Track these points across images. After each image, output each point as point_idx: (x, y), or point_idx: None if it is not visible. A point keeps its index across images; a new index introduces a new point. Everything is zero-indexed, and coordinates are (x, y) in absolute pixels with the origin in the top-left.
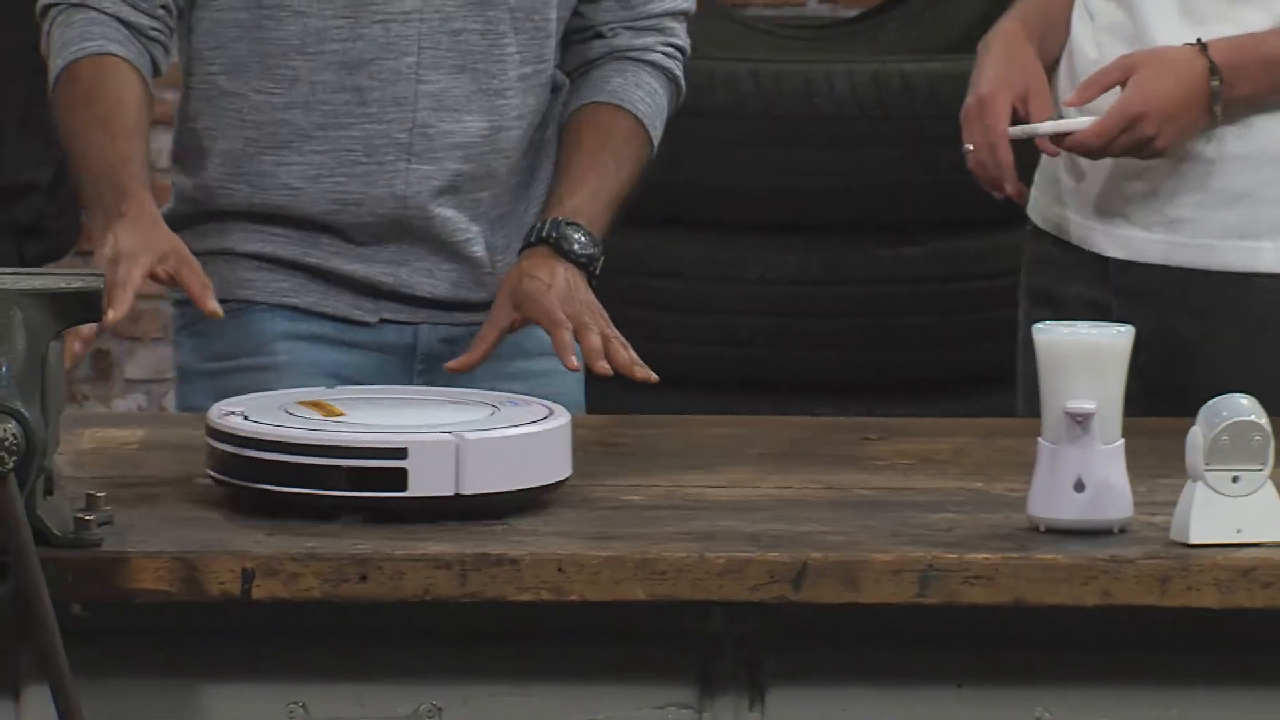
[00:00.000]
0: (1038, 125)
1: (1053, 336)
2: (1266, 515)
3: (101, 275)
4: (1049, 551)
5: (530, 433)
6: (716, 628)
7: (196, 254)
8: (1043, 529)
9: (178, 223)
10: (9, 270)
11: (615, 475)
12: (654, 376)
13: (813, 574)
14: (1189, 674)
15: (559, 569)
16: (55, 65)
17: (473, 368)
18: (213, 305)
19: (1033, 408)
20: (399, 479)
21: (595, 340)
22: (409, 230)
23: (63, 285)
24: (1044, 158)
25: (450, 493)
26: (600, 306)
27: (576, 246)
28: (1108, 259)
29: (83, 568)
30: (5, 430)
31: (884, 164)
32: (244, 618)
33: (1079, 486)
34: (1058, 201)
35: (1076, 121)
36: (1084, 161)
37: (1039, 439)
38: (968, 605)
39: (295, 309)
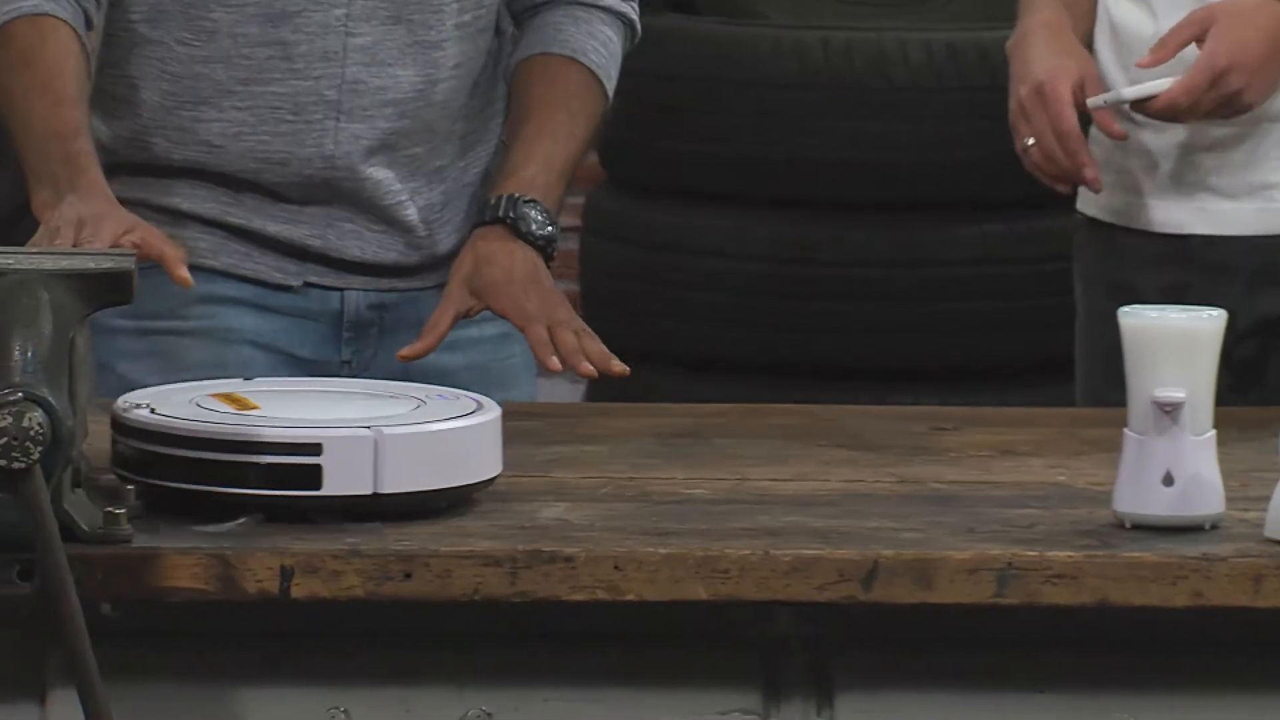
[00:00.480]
0: (1121, 91)
1: (1140, 321)
2: None
3: (132, 254)
4: (1136, 549)
5: (455, 428)
6: (782, 629)
7: None
8: (1129, 525)
9: None
10: (36, 250)
11: (673, 467)
12: (627, 369)
13: (884, 573)
14: None
15: (615, 567)
16: None
17: (427, 354)
18: (183, 273)
19: (1093, 399)
20: (313, 477)
21: (572, 339)
22: (337, 191)
23: (92, 265)
24: (1094, 146)
25: (368, 491)
26: (562, 294)
27: (535, 227)
28: (1187, 238)
29: (112, 565)
30: (31, 419)
31: (966, 137)
32: (283, 618)
33: (1168, 480)
34: (1120, 188)
35: (1160, 83)
36: (1152, 140)
37: (1125, 430)
38: (1049, 606)
39: (214, 271)
